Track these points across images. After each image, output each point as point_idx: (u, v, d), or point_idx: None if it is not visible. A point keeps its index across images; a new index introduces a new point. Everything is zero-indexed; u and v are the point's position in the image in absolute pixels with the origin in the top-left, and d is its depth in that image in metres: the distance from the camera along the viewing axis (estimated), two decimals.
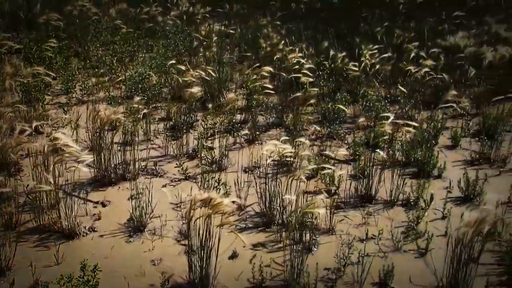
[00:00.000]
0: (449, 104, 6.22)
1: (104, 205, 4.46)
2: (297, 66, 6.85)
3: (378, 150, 4.84)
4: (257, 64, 7.29)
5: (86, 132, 5.61)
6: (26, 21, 9.44)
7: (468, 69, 7.21)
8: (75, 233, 3.98)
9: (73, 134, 5.50)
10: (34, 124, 4.34)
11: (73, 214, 4.01)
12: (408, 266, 3.77)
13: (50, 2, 10.48)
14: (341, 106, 5.99)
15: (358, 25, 10.11)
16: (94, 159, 4.67)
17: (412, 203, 4.58)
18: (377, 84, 7.27)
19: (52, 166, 3.93)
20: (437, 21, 10.31)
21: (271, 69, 6.70)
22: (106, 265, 3.54)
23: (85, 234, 4.03)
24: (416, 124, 5.02)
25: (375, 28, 9.33)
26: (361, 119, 5.69)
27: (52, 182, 3.89)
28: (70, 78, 6.88)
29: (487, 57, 7.41)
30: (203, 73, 6.32)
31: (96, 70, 7.50)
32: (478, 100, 6.85)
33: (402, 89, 6.68)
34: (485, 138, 5.63)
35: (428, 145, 5.38)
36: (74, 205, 4.06)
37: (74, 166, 4.01)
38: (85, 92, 6.74)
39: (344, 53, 7.61)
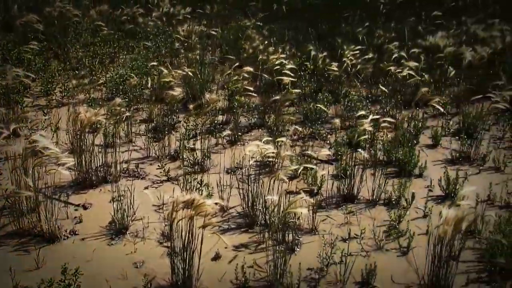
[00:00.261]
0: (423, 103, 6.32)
1: (85, 208, 4.42)
2: (279, 67, 6.86)
3: (359, 150, 4.87)
4: (237, 64, 7.29)
5: (66, 134, 5.55)
6: (4, 22, 9.32)
7: (448, 69, 7.29)
8: (56, 237, 3.94)
9: (53, 136, 5.45)
10: (12, 126, 4.28)
11: (54, 217, 3.96)
12: (390, 264, 3.80)
13: (28, 3, 10.37)
14: (321, 107, 6.01)
15: (339, 25, 10.17)
16: (75, 162, 4.62)
17: (393, 202, 4.62)
18: (358, 84, 7.31)
19: (31, 169, 3.88)
20: (417, 21, 10.40)
21: (252, 70, 6.70)
22: (87, 269, 3.51)
23: (66, 238, 3.99)
24: (393, 120, 5.08)
25: (356, 28, 9.39)
26: (337, 120, 5.72)
27: (32, 185, 3.85)
28: (50, 80, 6.81)
29: (466, 57, 7.49)
30: (185, 73, 6.30)
31: (77, 72, 7.43)
32: (458, 99, 6.93)
33: (383, 88, 6.73)
34: (465, 137, 5.69)
35: (409, 144, 5.43)
36: (54, 208, 4.01)
37: (54, 169, 3.96)
38: (65, 94, 6.67)
39: (325, 54, 7.66)
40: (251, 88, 6.36)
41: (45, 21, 9.16)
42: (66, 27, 9.11)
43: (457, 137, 6.00)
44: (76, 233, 4.06)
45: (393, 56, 7.58)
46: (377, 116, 5.10)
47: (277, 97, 6.18)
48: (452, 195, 4.73)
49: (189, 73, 6.41)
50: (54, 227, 3.94)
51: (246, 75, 6.59)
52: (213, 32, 9.48)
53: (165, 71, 6.46)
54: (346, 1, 11.69)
